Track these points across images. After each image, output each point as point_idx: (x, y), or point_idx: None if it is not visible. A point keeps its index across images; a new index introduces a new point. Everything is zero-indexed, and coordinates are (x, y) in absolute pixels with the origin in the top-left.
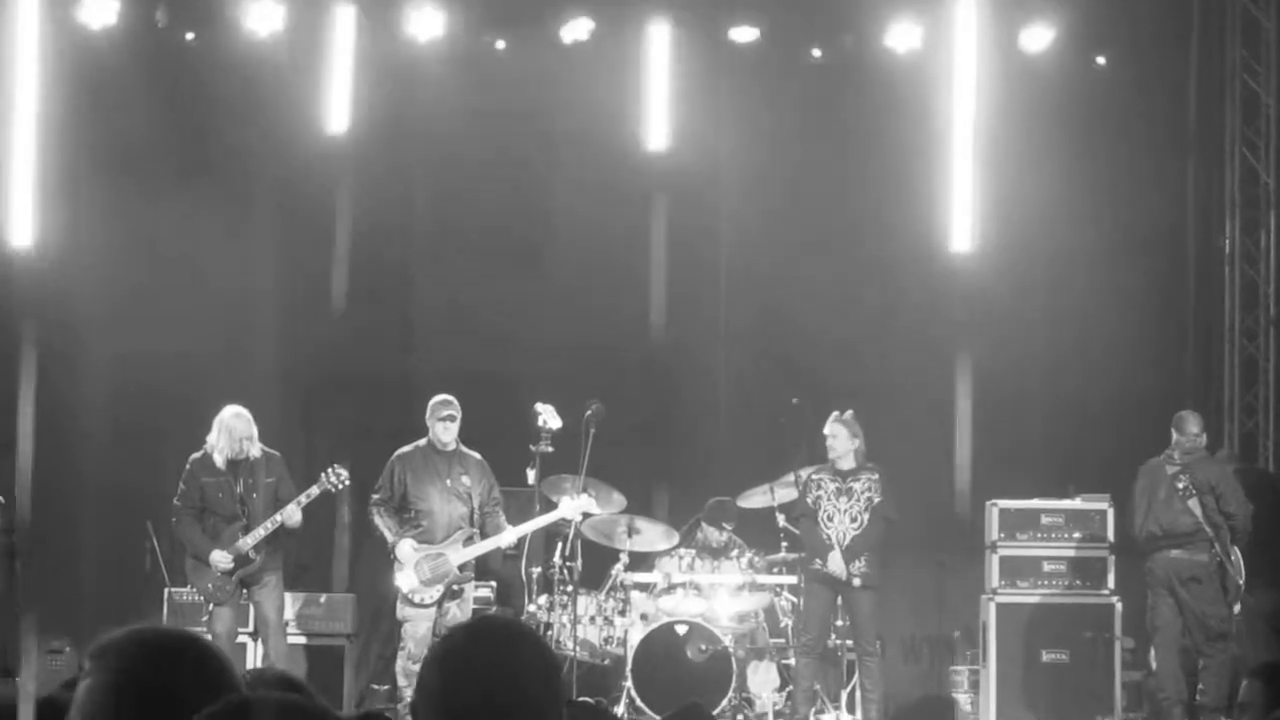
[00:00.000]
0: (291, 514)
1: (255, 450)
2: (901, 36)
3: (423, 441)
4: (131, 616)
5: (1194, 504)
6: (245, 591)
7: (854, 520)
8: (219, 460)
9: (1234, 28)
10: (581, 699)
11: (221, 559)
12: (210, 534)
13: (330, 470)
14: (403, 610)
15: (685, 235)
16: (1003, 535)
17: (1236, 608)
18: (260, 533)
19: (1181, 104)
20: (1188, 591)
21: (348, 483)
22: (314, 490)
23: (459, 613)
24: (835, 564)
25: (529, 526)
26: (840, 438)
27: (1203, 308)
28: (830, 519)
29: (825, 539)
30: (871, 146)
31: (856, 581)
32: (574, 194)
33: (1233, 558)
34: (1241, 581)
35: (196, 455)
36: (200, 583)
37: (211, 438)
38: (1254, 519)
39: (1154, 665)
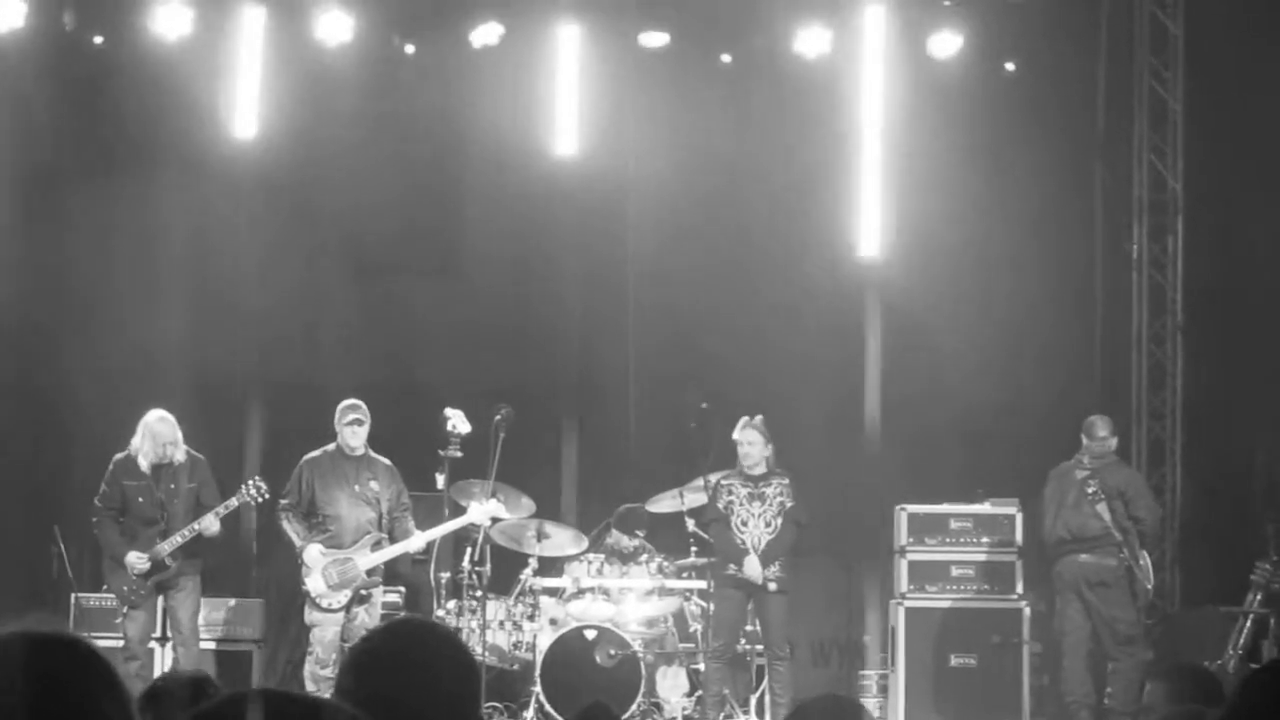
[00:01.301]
0: (210, 524)
1: (179, 454)
2: (811, 42)
3: (331, 446)
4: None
5: (1103, 508)
6: (161, 596)
7: (768, 525)
8: (143, 464)
9: (1142, 34)
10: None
11: (138, 560)
12: (128, 536)
13: (250, 483)
14: (310, 615)
15: (595, 240)
16: (911, 540)
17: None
18: (177, 539)
19: (1090, 110)
20: (1096, 596)
21: (267, 495)
22: (233, 502)
23: (367, 617)
24: (752, 568)
25: (438, 531)
26: (756, 444)
27: (1111, 313)
28: (744, 524)
29: (740, 544)
30: (780, 152)
31: (772, 586)
32: (484, 199)
33: (1141, 562)
34: (1150, 586)
35: (120, 456)
36: (116, 584)
37: (135, 441)
38: (1163, 523)
39: (1062, 669)
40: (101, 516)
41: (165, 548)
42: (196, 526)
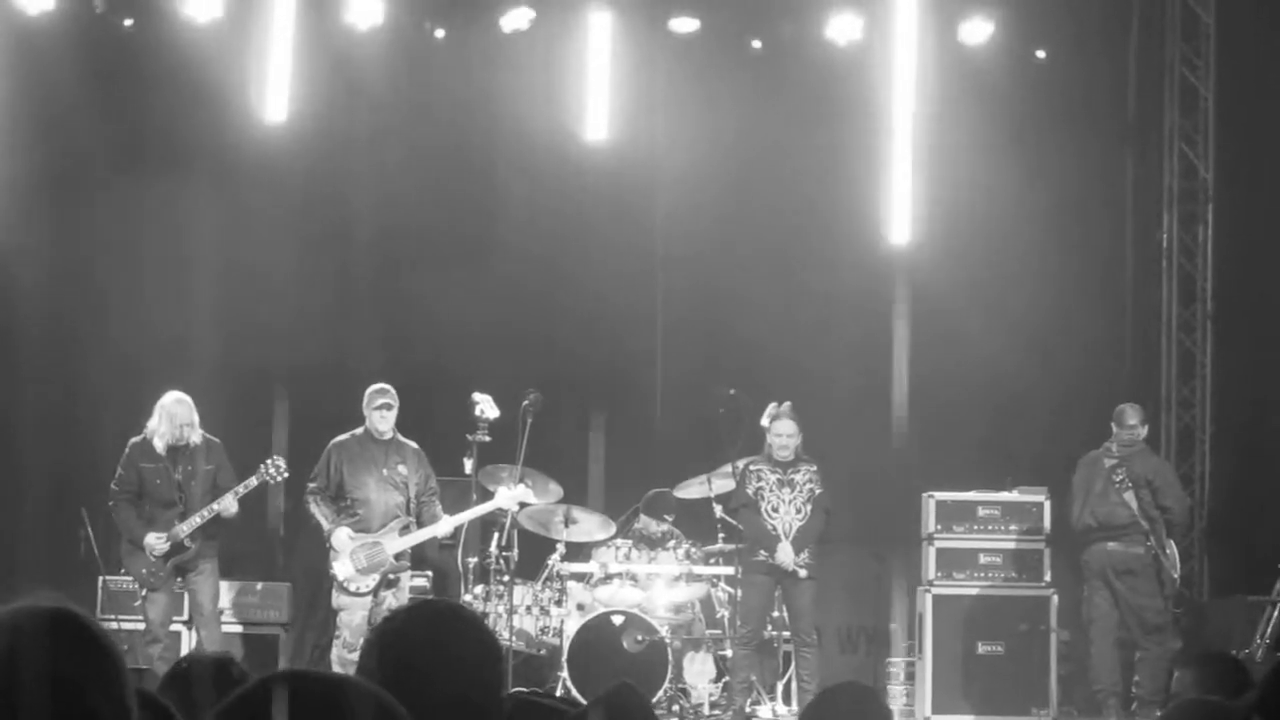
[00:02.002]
0: (228, 504)
1: (196, 436)
2: (842, 28)
3: (359, 430)
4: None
5: (1130, 497)
6: (180, 579)
7: (798, 512)
8: (159, 445)
9: (1173, 22)
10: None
11: (156, 542)
12: (146, 519)
13: (269, 461)
14: (338, 599)
15: (624, 225)
16: (939, 527)
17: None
18: (196, 520)
19: (1120, 98)
20: (1123, 584)
21: (286, 474)
22: (252, 481)
23: (394, 601)
24: (784, 555)
25: (465, 516)
26: (793, 434)
27: (1140, 301)
28: (775, 510)
29: (770, 530)
30: (811, 138)
31: (801, 573)
32: (513, 184)
33: (1168, 551)
34: (1177, 575)
35: (136, 440)
36: (134, 567)
37: (152, 423)
38: (1191, 512)
39: (1089, 657)
40: (118, 500)
41: (184, 529)
42: (215, 507)
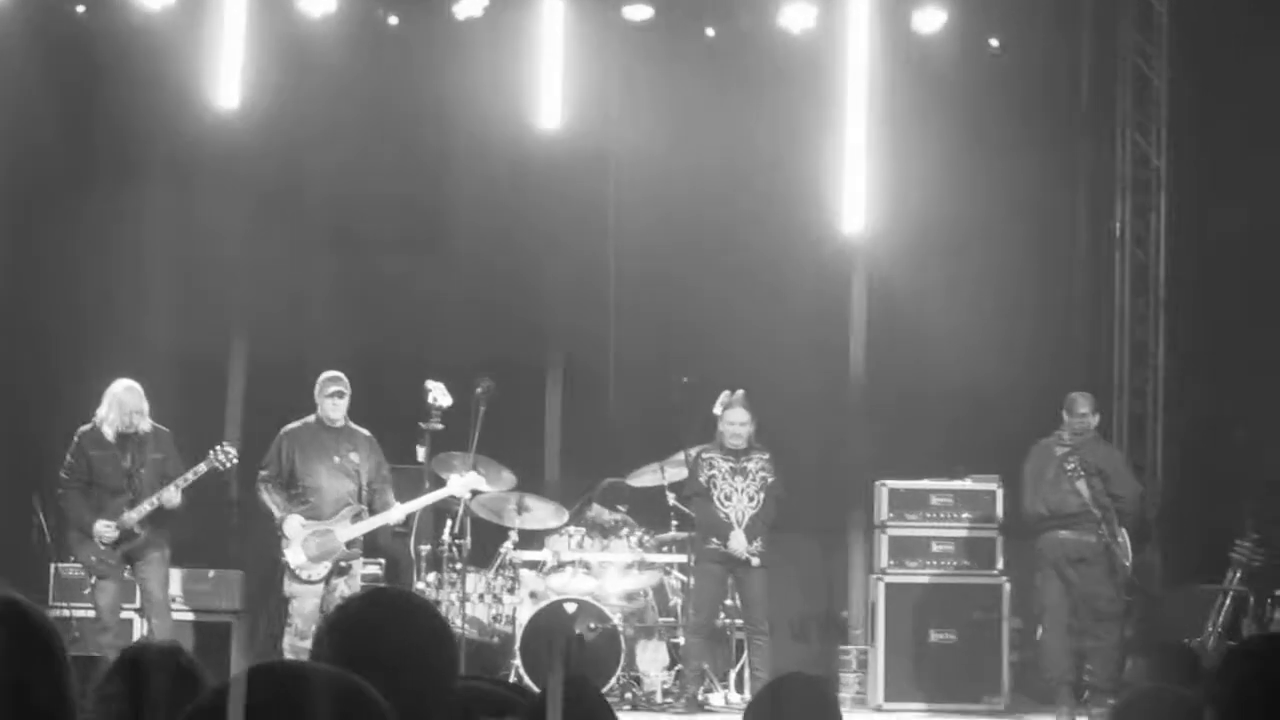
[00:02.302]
0: (170, 496)
1: (145, 425)
2: (795, 17)
3: (311, 418)
4: (16, 592)
5: (1082, 485)
6: (129, 567)
7: (751, 500)
8: (108, 433)
9: (1127, 10)
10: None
11: (105, 529)
12: (95, 507)
13: (218, 448)
14: (290, 586)
15: (577, 213)
16: (892, 515)
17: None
18: (145, 508)
19: (1074, 87)
20: (1076, 572)
21: (236, 461)
22: (201, 467)
23: (346, 589)
24: (737, 543)
25: (418, 503)
26: (746, 423)
27: (1093, 290)
28: (728, 498)
29: (723, 518)
30: (765, 127)
31: (754, 561)
32: (467, 171)
33: (1119, 539)
34: (1129, 563)
35: (85, 428)
36: (83, 555)
37: (101, 410)
38: (1142, 500)
39: (1041, 645)
40: (67, 488)
41: (134, 516)
42: (157, 499)
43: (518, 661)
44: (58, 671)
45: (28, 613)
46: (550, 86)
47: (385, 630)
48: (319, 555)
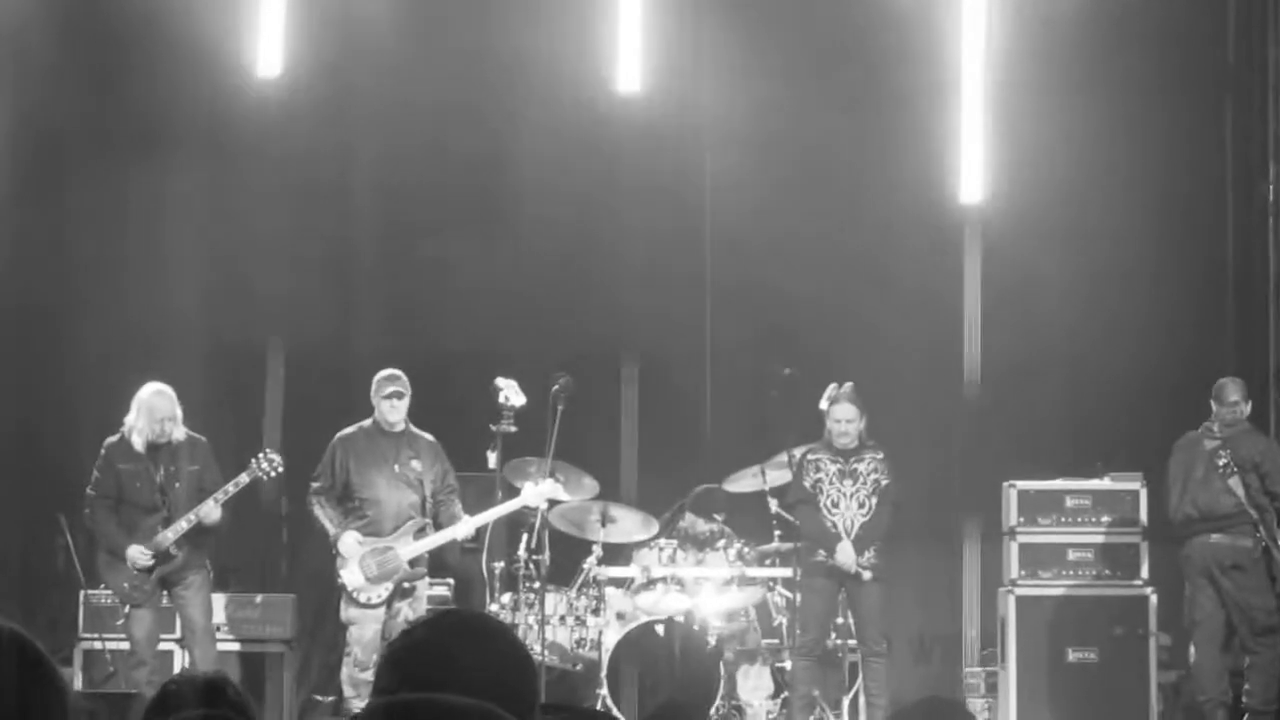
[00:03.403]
0: (209, 511)
1: (179, 433)
2: None
3: (367, 422)
4: (42, 621)
5: (1235, 483)
6: (166, 593)
7: (861, 506)
8: (138, 443)
9: None
10: None
11: (139, 555)
12: (126, 527)
13: (261, 456)
14: (347, 611)
15: (663, 190)
16: (1022, 520)
17: None
18: (183, 525)
19: (1219, 37)
20: (1230, 580)
21: (281, 470)
22: (242, 478)
23: (411, 613)
24: (844, 555)
25: (489, 516)
26: (853, 419)
27: (1244, 264)
28: (835, 505)
29: (830, 527)
30: (871, 89)
31: (866, 574)
32: (537, 145)
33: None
34: None
35: (112, 439)
36: (115, 581)
37: (129, 418)
38: None
39: (1193, 664)
40: (95, 506)
41: (169, 536)
42: (195, 516)
43: (604, 691)
44: (57, 704)
45: (25, 644)
46: (630, 44)
47: (455, 658)
48: (379, 576)
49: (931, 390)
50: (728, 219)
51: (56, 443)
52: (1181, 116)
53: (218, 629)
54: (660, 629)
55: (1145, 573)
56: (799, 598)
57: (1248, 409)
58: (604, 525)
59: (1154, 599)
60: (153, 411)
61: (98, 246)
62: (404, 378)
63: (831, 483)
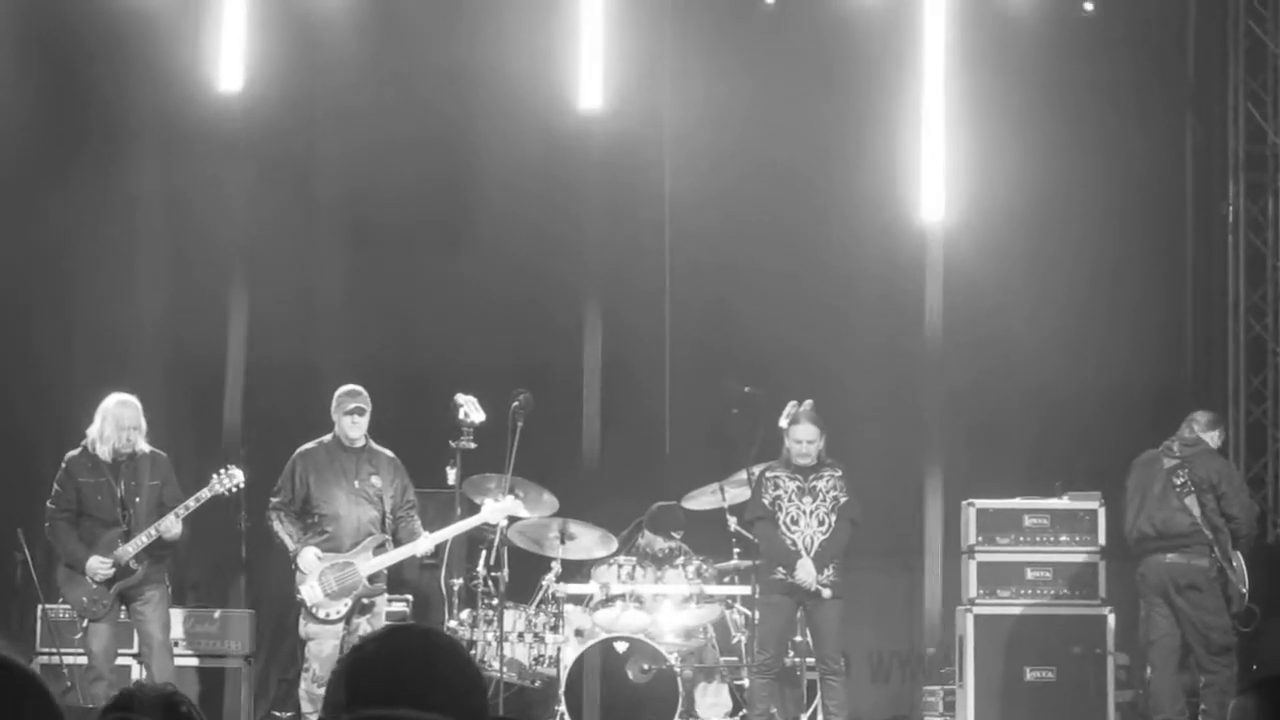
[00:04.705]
0: (169, 525)
1: (143, 445)
2: None
3: (327, 438)
4: None
5: (1192, 501)
6: (125, 608)
7: (821, 523)
8: (103, 452)
9: None
10: None
11: (99, 565)
12: (87, 540)
13: (222, 471)
14: (306, 627)
15: (624, 204)
16: (981, 539)
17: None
18: (143, 540)
19: (1179, 54)
20: (1185, 600)
21: (242, 485)
22: (203, 494)
23: (369, 629)
24: (805, 573)
25: (449, 532)
26: (814, 439)
27: (1204, 283)
28: (794, 522)
29: (789, 545)
30: (831, 104)
31: (826, 592)
32: (499, 162)
33: (1234, 563)
34: (1245, 590)
35: (73, 453)
36: (74, 595)
37: (93, 429)
38: (1260, 520)
39: (1150, 683)
40: (55, 520)
41: (130, 549)
42: (155, 530)
43: (562, 708)
44: None
45: (12, 666)
46: (592, 60)
47: (406, 674)
48: (338, 592)
49: (893, 406)
50: (688, 236)
51: (14, 456)
52: (1143, 135)
53: (176, 644)
54: (619, 647)
55: (1103, 592)
56: (757, 615)
57: (1212, 436)
58: (563, 542)
59: (1112, 618)
60: (119, 420)
61: (56, 261)
62: (365, 394)
63: (791, 500)
